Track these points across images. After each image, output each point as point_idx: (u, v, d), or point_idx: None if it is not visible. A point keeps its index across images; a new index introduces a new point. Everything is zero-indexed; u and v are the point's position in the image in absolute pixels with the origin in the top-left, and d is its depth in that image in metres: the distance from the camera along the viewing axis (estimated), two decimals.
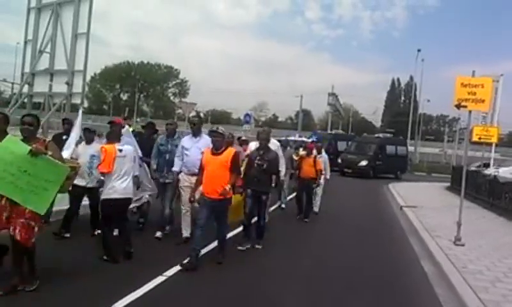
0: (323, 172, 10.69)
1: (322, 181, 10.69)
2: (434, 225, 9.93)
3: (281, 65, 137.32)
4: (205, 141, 6.88)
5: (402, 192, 17.29)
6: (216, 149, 6.17)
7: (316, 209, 10.82)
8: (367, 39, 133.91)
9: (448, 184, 20.97)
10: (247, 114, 24.18)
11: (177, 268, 5.65)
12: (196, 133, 7.17)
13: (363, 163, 25.69)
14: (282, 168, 8.56)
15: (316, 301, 5.17)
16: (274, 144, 8.43)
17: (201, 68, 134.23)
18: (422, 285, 6.14)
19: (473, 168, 20.25)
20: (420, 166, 42.35)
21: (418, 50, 45.20)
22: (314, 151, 10.49)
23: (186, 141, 7.12)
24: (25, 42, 13.24)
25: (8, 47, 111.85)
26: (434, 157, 52.24)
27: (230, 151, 6.23)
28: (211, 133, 6.32)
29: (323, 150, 11.90)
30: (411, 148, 48.23)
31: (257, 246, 7.27)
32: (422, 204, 13.47)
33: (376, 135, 31.53)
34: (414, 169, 40.01)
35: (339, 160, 25.61)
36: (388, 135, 30.94)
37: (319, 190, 10.89)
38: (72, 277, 5.09)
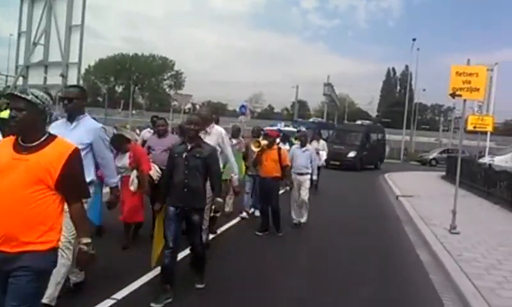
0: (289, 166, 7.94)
1: (315, 177, 9.30)
2: (429, 214, 9.99)
3: (276, 56, 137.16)
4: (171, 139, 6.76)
5: (399, 181, 17.37)
6: None
7: (303, 219, 8.45)
8: (362, 29, 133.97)
9: (443, 173, 21.08)
10: (242, 106, 24.15)
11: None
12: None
13: (352, 154, 23.65)
14: (234, 168, 6.15)
15: (312, 292, 5.21)
16: (215, 133, 5.77)
17: (196, 59, 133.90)
18: (418, 273, 6.19)
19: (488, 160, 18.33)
20: (415, 156, 42.47)
21: (413, 40, 45.10)
22: (279, 141, 9.51)
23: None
24: (19, 34, 13.16)
25: (2, 39, 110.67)
26: (430, 146, 52.41)
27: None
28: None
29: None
30: (398, 137, 48.49)
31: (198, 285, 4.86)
32: (418, 194, 13.54)
33: (358, 122, 29.16)
34: (410, 159, 40.21)
35: None
36: (367, 122, 29.08)
37: (304, 192, 8.31)
38: None
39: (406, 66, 73.87)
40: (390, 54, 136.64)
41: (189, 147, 4.60)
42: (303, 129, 14.64)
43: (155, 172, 6.23)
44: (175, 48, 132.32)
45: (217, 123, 6.14)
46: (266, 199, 7.79)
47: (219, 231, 7.52)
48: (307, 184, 8.42)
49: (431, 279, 5.86)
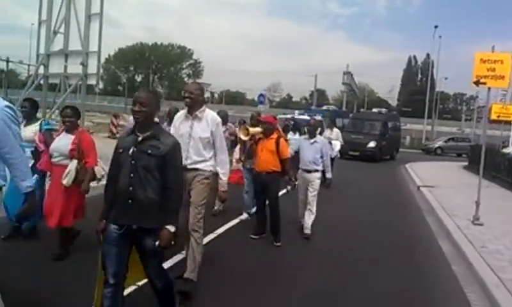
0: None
1: (328, 175, 7.26)
2: (452, 204, 9.81)
3: (295, 45, 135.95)
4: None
5: (420, 171, 17.10)
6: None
7: (307, 230, 6.79)
8: (382, 16, 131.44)
9: (466, 163, 20.68)
10: (261, 95, 24.07)
11: None
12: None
13: (372, 144, 22.21)
14: (223, 166, 4.62)
15: (332, 283, 5.15)
16: (208, 119, 4.48)
17: (214, 48, 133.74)
18: (440, 264, 6.08)
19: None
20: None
21: (435, 27, 44.36)
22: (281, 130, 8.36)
23: None
24: (40, 23, 13.24)
25: (23, 28, 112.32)
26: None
27: None
28: None
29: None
30: (419, 126, 47.59)
31: None
32: (440, 184, 13.31)
33: (374, 110, 27.57)
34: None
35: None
36: (383, 110, 27.28)
37: (311, 194, 6.85)
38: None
39: (428, 54, 72.37)
40: (411, 42, 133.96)
41: (139, 138, 3.19)
42: (318, 117, 14.24)
43: (100, 169, 5.04)
44: (193, 37, 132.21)
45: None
46: (262, 197, 6.52)
47: (213, 236, 6.39)
48: (316, 184, 6.86)
49: (453, 271, 5.76)
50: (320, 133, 9.62)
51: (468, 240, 6.80)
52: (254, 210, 7.16)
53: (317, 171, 6.92)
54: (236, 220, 7.48)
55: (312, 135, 7.10)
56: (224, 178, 4.55)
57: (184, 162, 3.99)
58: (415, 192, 12.64)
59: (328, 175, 7.28)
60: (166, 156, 3.14)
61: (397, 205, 10.60)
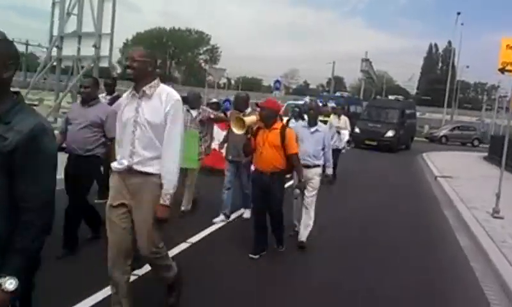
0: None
1: (330, 171, 6.03)
2: (470, 196, 9.45)
3: (313, 31, 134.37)
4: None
5: (438, 161, 16.66)
6: None
7: (303, 238, 5.58)
8: (402, 2, 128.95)
9: (485, 154, 20.12)
10: (277, 81, 23.74)
11: None
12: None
13: (390, 133, 21.02)
14: (167, 170, 3.19)
15: (348, 281, 4.94)
16: (161, 98, 3.20)
17: (231, 34, 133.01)
18: (458, 259, 5.80)
19: None
20: None
21: (458, 13, 43.14)
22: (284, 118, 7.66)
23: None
24: (53, 4, 13.17)
25: (44, 12, 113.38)
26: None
27: None
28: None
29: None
30: (438, 116, 46.57)
31: None
32: (458, 175, 12.89)
33: (390, 97, 26.25)
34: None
35: (356, 130, 20.43)
36: (400, 97, 25.73)
37: (310, 194, 5.64)
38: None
39: (449, 42, 70.95)
40: (432, 29, 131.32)
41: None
42: (332, 104, 13.64)
43: None
44: (210, 23, 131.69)
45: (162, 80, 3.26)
46: (263, 204, 5.11)
47: (184, 245, 5.19)
48: (315, 182, 5.66)
49: (472, 267, 5.47)
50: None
51: (488, 235, 6.49)
52: (243, 210, 6.72)
53: (317, 166, 5.70)
54: (214, 226, 6.15)
55: (313, 122, 5.78)
56: (167, 187, 3.05)
57: (128, 161, 3.07)
58: (432, 183, 12.27)
59: (329, 171, 5.97)
60: (16, 152, 1.76)
61: (413, 196, 10.28)
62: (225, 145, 6.73)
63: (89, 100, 4.70)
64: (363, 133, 20.89)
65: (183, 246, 5.18)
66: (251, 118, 5.05)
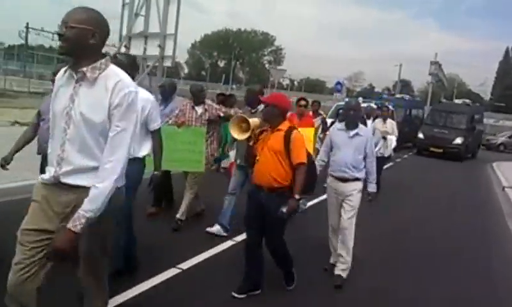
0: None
1: (372, 188, 4.69)
2: None
3: (379, 32, 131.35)
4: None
5: (509, 171, 15.58)
6: None
7: (338, 271, 4.48)
8: (476, 2, 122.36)
9: None
10: (338, 82, 23.44)
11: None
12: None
13: (458, 140, 19.25)
14: (104, 176, 2.20)
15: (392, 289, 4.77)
16: (106, 85, 2.19)
17: (296, 35, 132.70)
18: None
19: None
20: None
21: None
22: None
23: None
24: (123, 5, 13.79)
25: (117, 13, 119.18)
26: None
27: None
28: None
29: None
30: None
31: None
32: None
33: (457, 101, 24.14)
34: None
35: (420, 135, 19.66)
36: (467, 101, 23.51)
37: (347, 215, 4.47)
38: None
39: None
40: (509, 31, 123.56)
41: None
42: (390, 107, 12.81)
43: None
44: (276, 24, 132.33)
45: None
46: (256, 228, 3.93)
47: (174, 271, 4.21)
48: (355, 200, 4.48)
49: None
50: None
51: None
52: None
53: (357, 179, 4.53)
54: (214, 248, 4.93)
55: (352, 124, 4.59)
56: (88, 207, 2.09)
57: (55, 170, 2.21)
58: (499, 195, 11.53)
59: (371, 187, 4.66)
60: None
61: (475, 208, 9.68)
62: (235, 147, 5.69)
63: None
64: (428, 139, 19.52)
65: (170, 272, 4.14)
66: (256, 120, 3.91)
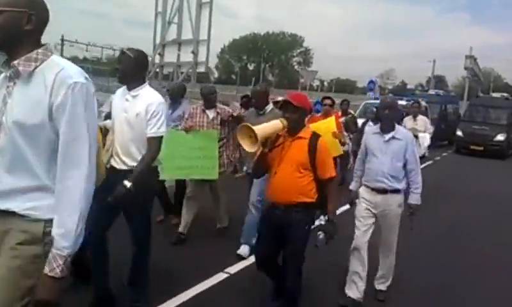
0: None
1: (415, 199, 3.86)
2: None
3: (410, 28, 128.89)
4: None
5: None
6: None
7: (379, 286, 4.06)
8: None
9: None
10: (371, 81, 23.10)
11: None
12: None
13: (501, 137, 17.73)
14: (63, 211, 1.66)
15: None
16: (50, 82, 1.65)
17: (325, 35, 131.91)
18: None
19: None
20: None
21: None
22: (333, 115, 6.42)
23: None
24: (156, 14, 14.14)
25: (150, 23, 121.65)
26: None
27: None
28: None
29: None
30: None
31: None
32: None
33: (494, 94, 22.46)
34: None
35: (459, 133, 18.42)
36: (506, 95, 21.66)
37: (388, 231, 3.90)
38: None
39: None
40: None
41: None
42: (423, 103, 11.89)
43: None
44: (304, 25, 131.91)
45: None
46: (271, 250, 3.35)
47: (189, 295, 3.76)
48: (394, 216, 3.82)
49: None
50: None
51: None
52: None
53: (397, 191, 3.80)
54: (235, 266, 4.41)
55: (388, 126, 3.82)
56: (61, 243, 1.61)
57: None
58: None
59: (413, 200, 3.85)
60: None
61: None
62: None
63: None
64: (467, 136, 18.19)
65: (180, 298, 3.66)
66: (265, 126, 3.04)
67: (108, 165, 3.25)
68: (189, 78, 13.58)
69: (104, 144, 3.31)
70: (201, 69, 12.65)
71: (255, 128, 2.90)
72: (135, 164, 3.11)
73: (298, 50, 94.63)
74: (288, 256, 3.26)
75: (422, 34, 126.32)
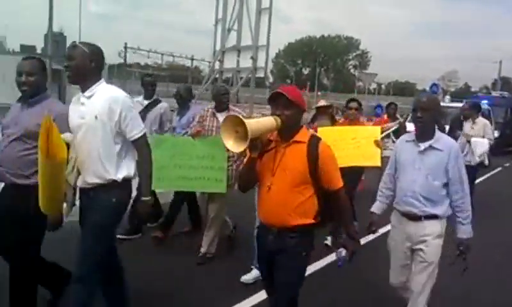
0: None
1: (465, 232, 2.94)
2: None
3: (473, 29, 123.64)
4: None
5: None
6: None
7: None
8: None
9: None
10: (434, 84, 22.15)
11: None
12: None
13: None
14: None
15: None
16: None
17: (382, 37, 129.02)
18: None
19: None
20: None
21: None
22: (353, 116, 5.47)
23: None
24: (216, 22, 14.44)
25: (209, 30, 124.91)
26: None
27: None
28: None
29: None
30: None
31: None
32: None
33: None
34: None
35: None
36: None
37: (420, 268, 2.96)
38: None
39: None
40: None
41: None
42: (485, 106, 11.06)
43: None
44: (360, 27, 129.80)
45: None
46: (270, 279, 2.65)
47: None
48: (433, 248, 2.94)
49: None
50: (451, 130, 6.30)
51: None
52: None
53: (434, 217, 2.96)
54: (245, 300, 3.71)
55: (424, 132, 3.01)
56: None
57: None
58: None
59: (462, 233, 2.96)
60: None
61: None
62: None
63: (31, 95, 2.95)
64: None
65: None
66: (257, 121, 2.38)
67: (77, 187, 2.84)
68: (248, 83, 13.73)
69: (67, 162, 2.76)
70: (261, 74, 12.76)
71: (246, 120, 2.21)
72: (107, 177, 2.67)
73: (354, 53, 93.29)
74: (278, 287, 2.53)
75: (487, 34, 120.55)
